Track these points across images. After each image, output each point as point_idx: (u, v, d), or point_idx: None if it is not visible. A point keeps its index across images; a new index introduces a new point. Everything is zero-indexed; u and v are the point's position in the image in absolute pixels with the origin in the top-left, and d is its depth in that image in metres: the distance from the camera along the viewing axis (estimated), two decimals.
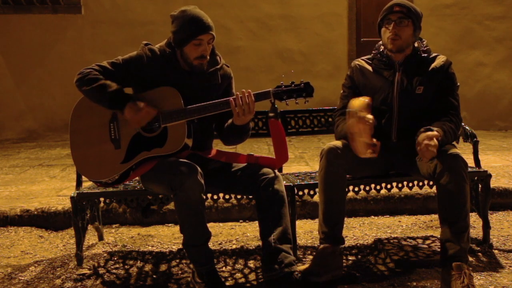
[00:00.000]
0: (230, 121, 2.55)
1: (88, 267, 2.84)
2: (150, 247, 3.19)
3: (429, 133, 2.40)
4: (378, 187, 2.93)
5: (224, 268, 2.77)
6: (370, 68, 2.76)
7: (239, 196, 2.94)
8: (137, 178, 2.69)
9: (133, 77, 2.52)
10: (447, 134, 2.48)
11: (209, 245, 2.46)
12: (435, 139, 2.37)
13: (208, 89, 2.56)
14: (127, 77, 2.52)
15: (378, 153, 2.45)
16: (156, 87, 2.49)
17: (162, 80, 2.50)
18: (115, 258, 2.98)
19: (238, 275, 2.68)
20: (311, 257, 2.86)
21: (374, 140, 2.42)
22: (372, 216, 3.74)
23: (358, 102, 2.48)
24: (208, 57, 2.52)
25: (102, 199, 2.89)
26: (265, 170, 2.50)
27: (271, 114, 2.51)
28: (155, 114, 2.42)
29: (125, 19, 7.76)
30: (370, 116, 2.43)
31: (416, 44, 2.70)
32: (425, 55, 2.69)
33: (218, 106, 2.45)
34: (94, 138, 2.51)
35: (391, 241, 3.12)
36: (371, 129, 2.42)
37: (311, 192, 2.89)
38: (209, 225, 2.47)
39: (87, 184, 2.93)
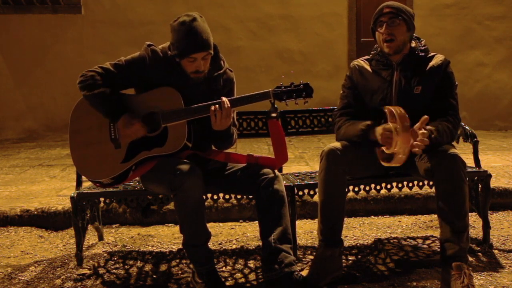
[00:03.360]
0: None
1: (88, 267, 2.84)
2: (150, 247, 3.19)
3: (417, 124, 2.38)
4: (378, 187, 2.93)
5: (224, 268, 2.77)
6: (369, 68, 2.76)
7: (239, 196, 2.94)
8: (137, 178, 2.69)
9: (135, 78, 2.52)
10: (441, 134, 2.47)
11: (209, 245, 2.46)
12: (423, 130, 2.36)
13: (209, 92, 2.55)
14: (130, 78, 2.52)
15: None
16: (157, 87, 2.49)
17: (164, 82, 2.49)
18: (115, 258, 2.98)
19: (238, 275, 2.68)
20: (311, 257, 2.86)
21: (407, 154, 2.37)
22: (372, 216, 3.74)
23: (400, 111, 2.37)
24: (206, 71, 2.51)
25: (102, 199, 2.89)
26: (265, 170, 2.50)
27: (271, 115, 2.51)
28: (142, 134, 2.44)
29: (125, 19, 7.77)
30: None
31: (413, 44, 2.70)
32: (423, 54, 2.69)
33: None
34: (94, 138, 2.51)
35: (391, 241, 3.12)
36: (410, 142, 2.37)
37: (311, 192, 2.89)
38: (209, 225, 2.47)
39: (87, 184, 2.93)
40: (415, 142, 2.35)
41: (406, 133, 2.32)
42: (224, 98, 2.42)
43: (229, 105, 2.41)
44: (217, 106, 2.40)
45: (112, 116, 2.45)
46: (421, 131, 2.35)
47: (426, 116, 2.39)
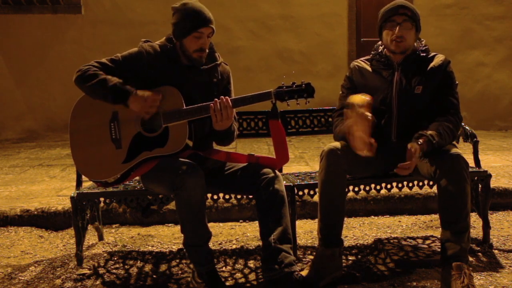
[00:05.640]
0: None
1: (88, 267, 2.84)
2: (150, 247, 3.19)
3: (413, 148, 2.39)
4: (378, 187, 2.93)
5: (224, 268, 2.77)
6: (369, 68, 2.76)
7: (239, 196, 2.94)
8: (137, 178, 2.69)
9: (132, 74, 2.52)
10: (443, 136, 2.47)
11: (209, 245, 2.46)
12: (417, 154, 2.38)
13: (208, 85, 2.57)
14: (127, 74, 2.51)
15: (374, 153, 2.43)
16: (156, 83, 2.49)
17: (163, 77, 2.49)
18: (115, 258, 2.98)
19: (238, 275, 2.68)
20: (311, 257, 2.86)
21: (372, 140, 2.41)
22: (372, 216, 3.74)
23: (359, 99, 2.47)
24: (207, 51, 2.52)
25: (102, 199, 2.89)
26: (265, 170, 2.50)
27: (272, 115, 2.51)
28: (160, 98, 2.42)
29: (125, 19, 7.76)
30: (369, 114, 2.42)
31: (415, 44, 2.71)
32: (424, 54, 2.69)
33: None
34: (94, 138, 2.50)
35: (391, 241, 3.12)
36: (370, 127, 2.41)
37: (311, 192, 2.89)
38: (209, 225, 2.47)
39: (87, 184, 2.94)
40: (400, 164, 2.40)
41: (356, 121, 2.39)
42: (225, 98, 2.42)
43: (230, 105, 2.41)
44: (218, 106, 2.40)
45: (121, 98, 2.42)
46: (408, 161, 2.39)
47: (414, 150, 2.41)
